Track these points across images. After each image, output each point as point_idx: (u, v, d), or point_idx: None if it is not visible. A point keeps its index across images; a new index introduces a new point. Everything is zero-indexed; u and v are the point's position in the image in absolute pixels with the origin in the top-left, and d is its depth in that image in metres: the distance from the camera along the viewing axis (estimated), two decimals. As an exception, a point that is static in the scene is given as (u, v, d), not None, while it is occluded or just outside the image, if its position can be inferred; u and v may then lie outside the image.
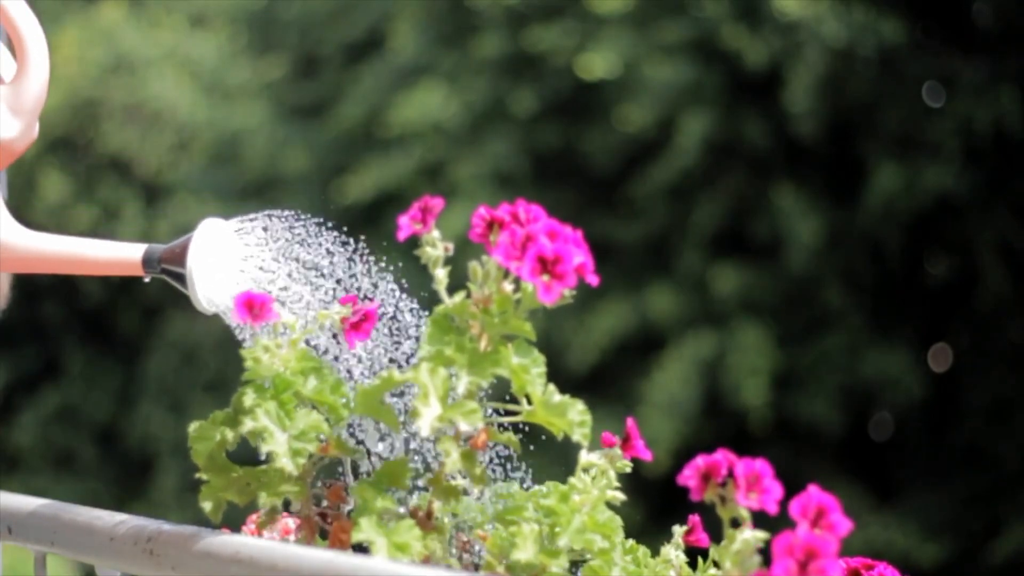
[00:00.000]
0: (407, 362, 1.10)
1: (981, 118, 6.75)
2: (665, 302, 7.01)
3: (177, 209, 9.46)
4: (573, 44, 7.29)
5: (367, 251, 1.12)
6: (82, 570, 5.97)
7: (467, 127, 7.54)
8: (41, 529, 1.14)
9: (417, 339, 1.09)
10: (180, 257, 1.14)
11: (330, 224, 1.12)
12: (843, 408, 6.94)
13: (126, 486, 9.26)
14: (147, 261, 1.17)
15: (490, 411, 1.02)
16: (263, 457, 1.04)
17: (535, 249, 0.97)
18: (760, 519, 0.92)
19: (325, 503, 1.05)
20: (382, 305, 1.11)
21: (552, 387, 1.01)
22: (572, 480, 1.06)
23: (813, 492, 0.87)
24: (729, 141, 7.07)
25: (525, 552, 1.00)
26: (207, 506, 1.02)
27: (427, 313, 1.03)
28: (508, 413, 1.02)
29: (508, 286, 1.01)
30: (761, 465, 0.92)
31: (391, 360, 1.10)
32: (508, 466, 1.08)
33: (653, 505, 5.81)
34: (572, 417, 1.01)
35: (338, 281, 1.12)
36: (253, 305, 1.05)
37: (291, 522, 1.07)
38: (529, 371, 1.01)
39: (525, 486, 1.08)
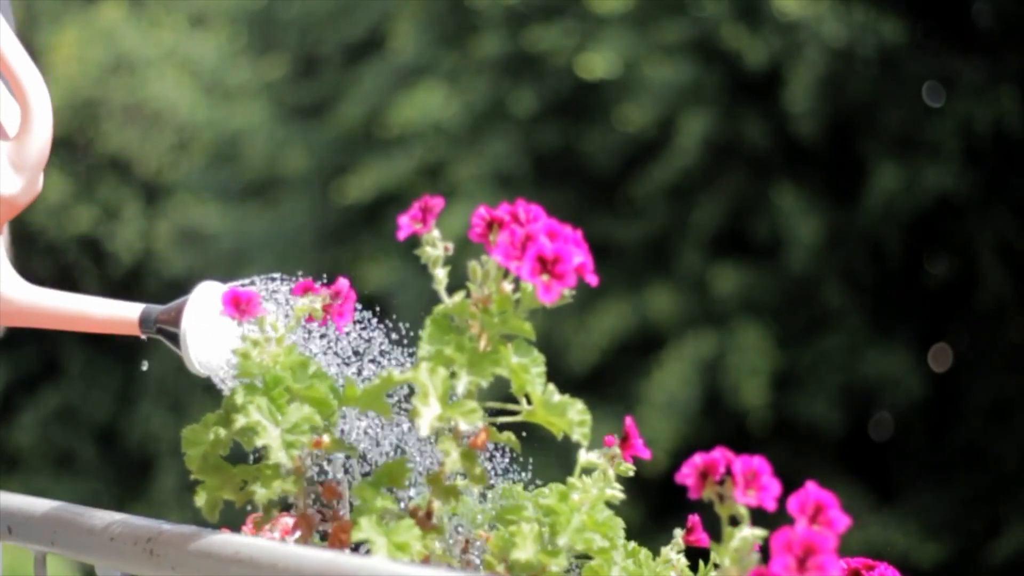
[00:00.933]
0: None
1: (981, 118, 6.75)
2: (665, 302, 7.01)
3: (177, 209, 9.47)
4: (573, 44, 7.29)
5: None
6: (82, 570, 5.97)
7: (467, 127, 7.54)
8: (41, 529, 1.14)
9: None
10: (175, 319, 1.16)
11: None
12: (843, 408, 6.94)
13: (126, 486, 9.27)
14: (144, 321, 1.19)
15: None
16: (254, 458, 1.04)
17: (535, 249, 0.97)
18: (759, 517, 0.92)
19: (321, 500, 1.06)
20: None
21: (552, 386, 1.01)
22: (571, 479, 1.07)
23: (811, 488, 0.88)
24: (729, 141, 7.07)
25: (525, 551, 1.00)
26: (203, 505, 1.03)
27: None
28: (508, 413, 1.02)
29: (508, 286, 1.01)
30: (759, 462, 0.92)
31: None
32: (509, 470, 1.09)
33: (653, 505, 5.81)
34: (572, 417, 1.01)
35: (336, 340, 1.14)
36: (240, 301, 1.05)
37: (291, 521, 1.07)
38: (529, 371, 1.01)
39: (522, 476, 1.08)
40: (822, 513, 0.87)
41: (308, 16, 8.69)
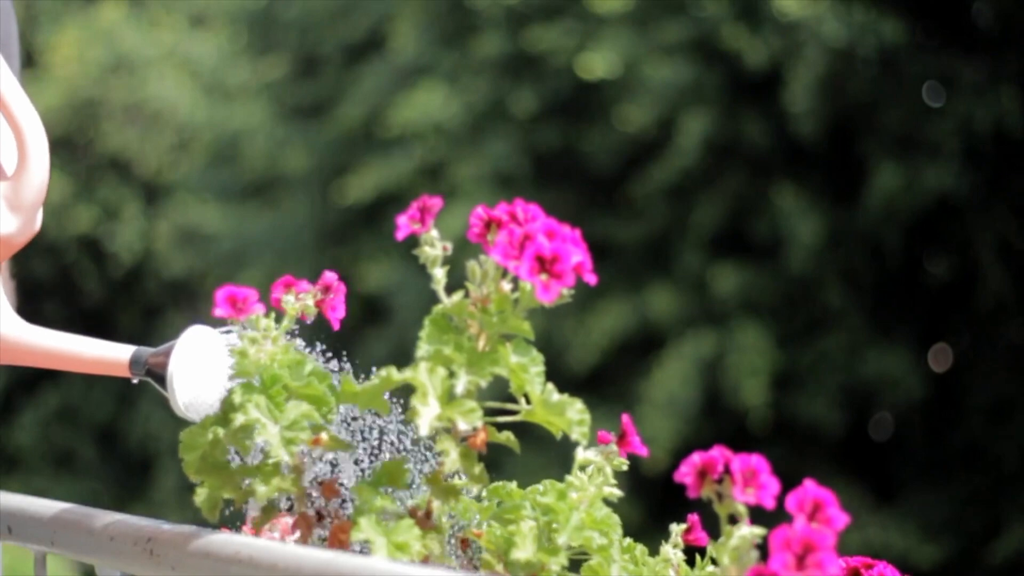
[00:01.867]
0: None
1: (981, 118, 6.75)
2: (665, 302, 7.02)
3: (177, 209, 9.47)
4: (573, 44, 7.29)
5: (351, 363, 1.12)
6: (82, 570, 5.97)
7: (467, 127, 7.54)
8: (41, 529, 1.14)
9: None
10: (164, 362, 1.16)
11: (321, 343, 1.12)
12: (843, 408, 6.94)
13: (126, 486, 9.27)
14: (134, 363, 1.19)
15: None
16: (251, 458, 1.04)
17: (533, 248, 0.97)
18: (757, 515, 0.92)
19: (320, 500, 1.06)
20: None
21: (551, 386, 1.01)
22: (569, 478, 1.07)
23: (809, 486, 0.88)
24: (729, 141, 7.07)
25: (524, 551, 1.00)
26: (202, 505, 1.03)
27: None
28: (507, 412, 1.02)
29: (506, 285, 1.01)
30: (757, 460, 0.92)
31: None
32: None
33: (653, 504, 5.82)
34: (571, 416, 1.01)
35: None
36: (236, 300, 1.05)
37: (290, 521, 1.08)
38: (528, 370, 1.01)
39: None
40: (821, 511, 0.87)
41: (308, 16, 8.69)
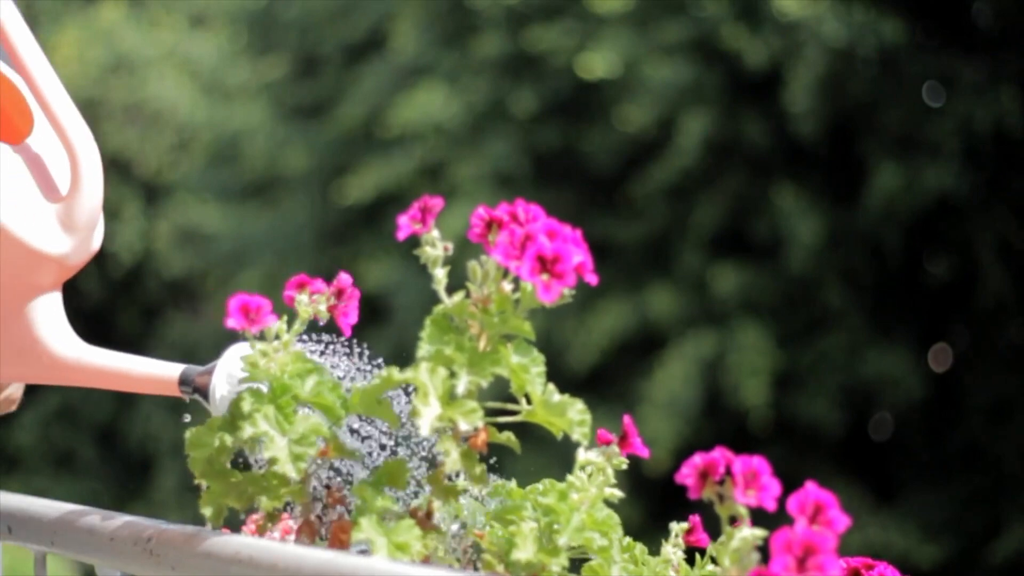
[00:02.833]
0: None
1: (981, 118, 6.75)
2: (665, 302, 7.01)
3: (177, 209, 9.47)
4: (573, 44, 7.29)
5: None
6: (82, 570, 5.97)
7: (467, 127, 7.54)
8: (41, 529, 1.14)
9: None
10: (208, 380, 1.16)
11: (365, 352, 1.11)
12: (843, 408, 6.94)
13: (126, 486, 9.27)
14: (183, 380, 1.19)
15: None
16: (256, 462, 1.04)
17: (534, 248, 0.97)
18: (758, 517, 0.92)
19: (325, 506, 1.05)
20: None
21: (551, 386, 1.01)
22: (570, 478, 1.07)
23: (810, 488, 0.88)
24: (729, 141, 7.07)
25: (524, 551, 1.00)
26: (208, 512, 1.03)
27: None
28: (508, 412, 1.02)
29: (507, 285, 1.01)
30: (758, 462, 0.92)
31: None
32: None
33: (654, 505, 5.81)
34: (572, 416, 1.01)
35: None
36: (249, 310, 1.05)
37: (292, 522, 1.07)
38: (528, 370, 1.01)
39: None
40: (822, 513, 0.87)
41: (308, 16, 8.69)
